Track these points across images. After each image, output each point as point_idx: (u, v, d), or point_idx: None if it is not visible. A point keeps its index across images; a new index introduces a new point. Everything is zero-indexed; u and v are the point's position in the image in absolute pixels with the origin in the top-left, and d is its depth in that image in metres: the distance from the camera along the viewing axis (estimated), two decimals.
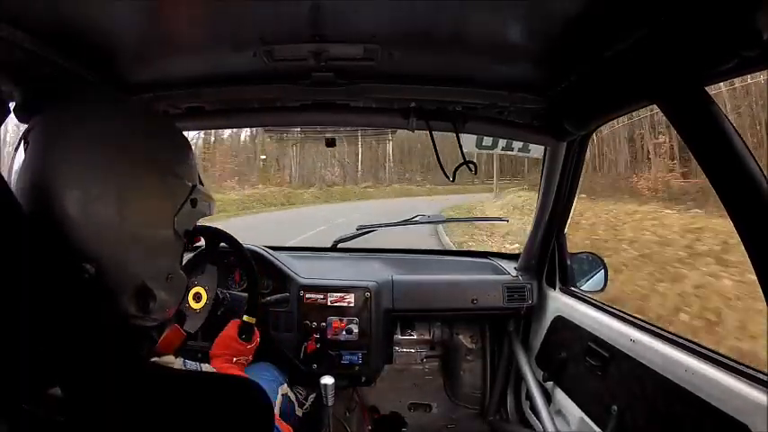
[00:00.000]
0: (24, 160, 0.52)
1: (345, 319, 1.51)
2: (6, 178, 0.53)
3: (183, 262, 0.64)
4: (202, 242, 1.10)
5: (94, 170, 0.51)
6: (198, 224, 0.63)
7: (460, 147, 1.27)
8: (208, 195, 0.62)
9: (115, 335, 0.51)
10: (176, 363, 0.80)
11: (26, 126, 0.55)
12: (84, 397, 0.44)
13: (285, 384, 1.27)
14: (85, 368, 0.45)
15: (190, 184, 0.58)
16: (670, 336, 0.99)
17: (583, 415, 1.25)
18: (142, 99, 1.11)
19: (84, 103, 0.56)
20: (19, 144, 0.54)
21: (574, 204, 1.46)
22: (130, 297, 0.54)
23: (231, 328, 1.07)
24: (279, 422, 0.82)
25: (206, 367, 0.92)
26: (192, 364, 0.90)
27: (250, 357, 1.08)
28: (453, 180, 1.29)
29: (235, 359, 1.04)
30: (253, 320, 1.08)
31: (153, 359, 0.69)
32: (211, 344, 1.08)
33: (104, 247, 0.51)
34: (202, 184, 0.63)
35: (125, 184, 0.52)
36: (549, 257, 1.55)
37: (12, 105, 0.76)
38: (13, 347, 0.41)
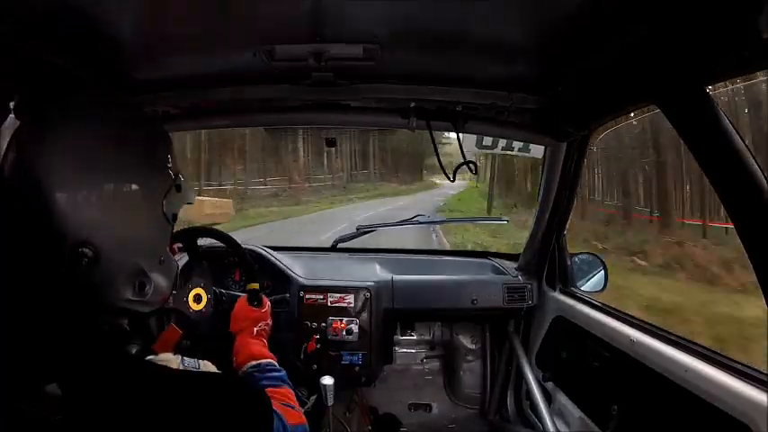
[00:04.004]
0: (15, 155, 0.54)
1: (345, 319, 1.51)
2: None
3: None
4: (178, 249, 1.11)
5: (89, 164, 0.54)
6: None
7: (461, 147, 1.27)
8: (188, 184, 0.68)
9: (112, 332, 0.51)
10: (174, 361, 0.80)
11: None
12: (82, 396, 0.44)
13: None
14: (83, 366, 0.45)
15: (173, 172, 0.64)
16: (670, 336, 0.99)
17: (583, 415, 1.25)
18: (142, 99, 1.11)
19: (76, 100, 0.59)
20: (12, 143, 0.56)
21: (574, 204, 1.46)
22: (127, 280, 0.58)
23: (240, 301, 1.09)
24: (286, 411, 0.79)
25: (204, 366, 0.92)
26: (190, 363, 0.89)
27: (269, 321, 1.09)
28: (453, 180, 1.29)
29: (256, 329, 1.04)
30: (256, 286, 1.09)
31: (150, 357, 0.70)
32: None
33: (100, 232, 0.54)
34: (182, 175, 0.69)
35: (116, 173, 0.56)
36: (550, 258, 1.55)
37: (12, 105, 0.77)
38: (9, 344, 0.41)
